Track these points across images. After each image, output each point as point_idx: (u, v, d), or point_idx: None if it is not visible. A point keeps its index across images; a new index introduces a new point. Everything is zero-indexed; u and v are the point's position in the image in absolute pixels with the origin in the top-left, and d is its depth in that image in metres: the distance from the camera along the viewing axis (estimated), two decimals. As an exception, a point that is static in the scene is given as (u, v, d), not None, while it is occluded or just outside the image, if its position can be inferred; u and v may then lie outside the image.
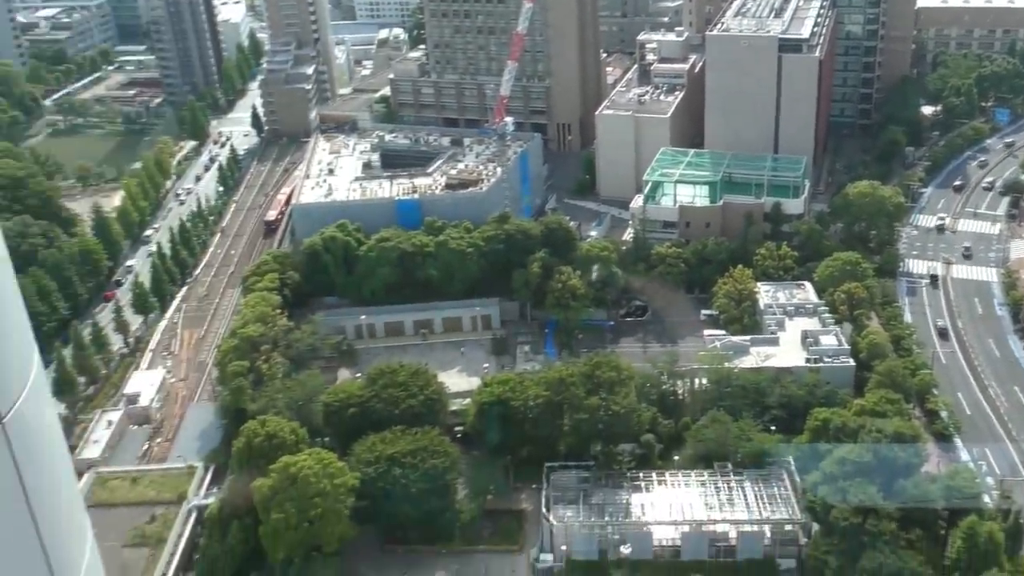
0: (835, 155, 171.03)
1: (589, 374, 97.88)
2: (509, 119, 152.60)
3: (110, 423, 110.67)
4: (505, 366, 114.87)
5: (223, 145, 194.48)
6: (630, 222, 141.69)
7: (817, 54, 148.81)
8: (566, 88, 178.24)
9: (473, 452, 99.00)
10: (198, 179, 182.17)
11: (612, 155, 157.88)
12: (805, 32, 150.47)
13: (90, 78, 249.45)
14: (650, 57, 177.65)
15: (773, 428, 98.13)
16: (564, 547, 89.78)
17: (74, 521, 7.98)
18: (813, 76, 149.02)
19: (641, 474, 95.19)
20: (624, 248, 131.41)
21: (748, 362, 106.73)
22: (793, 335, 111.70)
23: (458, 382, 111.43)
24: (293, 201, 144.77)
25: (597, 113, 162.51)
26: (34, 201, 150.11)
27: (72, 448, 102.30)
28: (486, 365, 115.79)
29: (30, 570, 7.20)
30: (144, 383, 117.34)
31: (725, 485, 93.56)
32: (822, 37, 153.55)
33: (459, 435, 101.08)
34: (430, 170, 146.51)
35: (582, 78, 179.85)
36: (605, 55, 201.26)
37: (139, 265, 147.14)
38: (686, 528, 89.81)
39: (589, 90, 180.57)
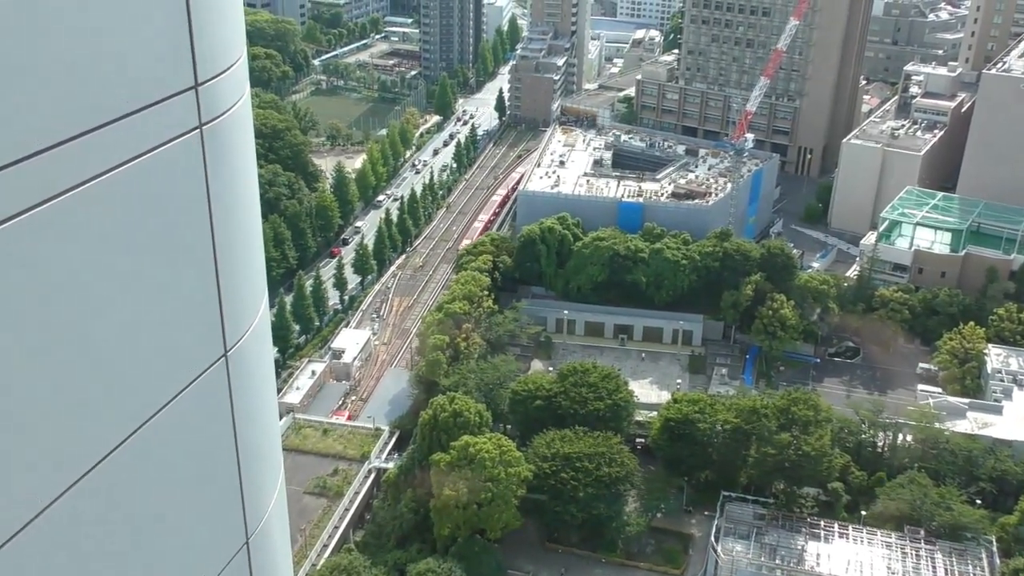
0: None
1: (784, 408, 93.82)
2: (750, 136, 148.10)
3: (313, 373, 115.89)
4: (699, 385, 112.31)
5: (465, 123, 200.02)
6: (857, 259, 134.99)
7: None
8: (816, 111, 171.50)
9: (650, 466, 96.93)
10: (435, 153, 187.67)
11: (851, 186, 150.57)
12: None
13: (358, 44, 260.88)
14: (913, 90, 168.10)
15: (979, 502, 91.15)
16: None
17: (271, 458, 8.43)
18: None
19: (822, 522, 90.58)
20: (845, 285, 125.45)
21: (962, 426, 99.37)
22: (1020, 406, 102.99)
23: (648, 393, 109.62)
24: (520, 187, 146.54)
25: (844, 141, 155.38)
26: (287, 153, 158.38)
27: (277, 391, 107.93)
28: (679, 381, 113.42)
29: (225, 494, 7.65)
30: (350, 341, 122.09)
31: (913, 552, 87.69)
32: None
33: (639, 447, 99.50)
34: (659, 176, 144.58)
35: (835, 103, 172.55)
36: (865, 82, 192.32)
37: (366, 227, 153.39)
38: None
39: (840, 116, 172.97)
